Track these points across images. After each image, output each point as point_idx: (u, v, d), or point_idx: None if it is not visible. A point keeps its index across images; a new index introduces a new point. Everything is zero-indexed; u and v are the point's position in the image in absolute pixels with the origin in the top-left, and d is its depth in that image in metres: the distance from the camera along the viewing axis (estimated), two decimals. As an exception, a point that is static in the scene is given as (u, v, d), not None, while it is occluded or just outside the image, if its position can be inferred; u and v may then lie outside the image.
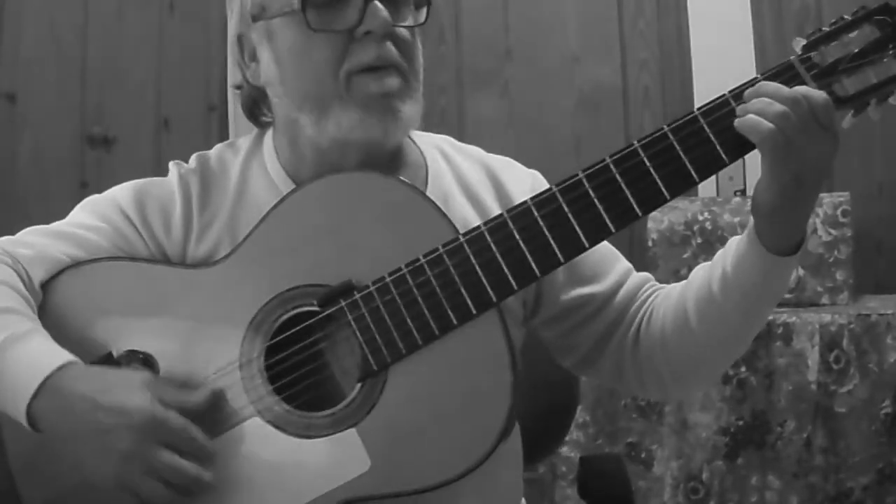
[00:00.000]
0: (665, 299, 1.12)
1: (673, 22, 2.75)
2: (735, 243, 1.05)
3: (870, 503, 2.14)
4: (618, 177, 0.98)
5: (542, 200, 0.99)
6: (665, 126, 0.98)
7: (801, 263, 2.35)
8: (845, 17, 1.00)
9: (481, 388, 0.97)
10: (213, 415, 1.01)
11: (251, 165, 1.14)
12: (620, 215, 0.98)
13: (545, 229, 0.98)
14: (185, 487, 0.96)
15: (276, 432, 1.00)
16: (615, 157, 0.98)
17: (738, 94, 0.98)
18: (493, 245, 0.99)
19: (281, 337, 1.02)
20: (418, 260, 0.99)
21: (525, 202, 0.99)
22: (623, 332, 1.14)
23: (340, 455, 0.98)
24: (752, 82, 0.98)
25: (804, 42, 1.00)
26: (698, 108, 0.98)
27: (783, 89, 0.95)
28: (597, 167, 0.99)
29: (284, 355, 1.02)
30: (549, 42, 2.82)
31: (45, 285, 1.08)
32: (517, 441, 1.21)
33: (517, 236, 0.99)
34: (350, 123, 1.04)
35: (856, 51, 0.98)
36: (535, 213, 0.99)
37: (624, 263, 1.18)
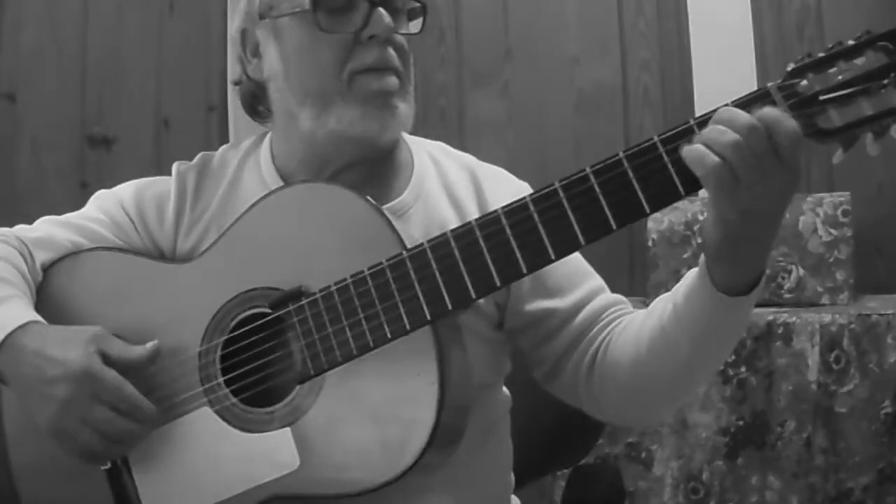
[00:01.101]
0: (627, 326, 1.10)
1: (673, 22, 2.75)
2: (690, 275, 1.01)
3: (870, 503, 2.15)
4: (564, 202, 0.94)
5: (485, 222, 0.97)
6: (621, 152, 0.93)
7: (801, 263, 2.35)
8: (847, 42, 0.89)
9: (406, 404, 0.98)
10: (168, 400, 1.08)
11: (247, 163, 1.21)
12: (562, 241, 0.95)
13: (485, 251, 0.97)
14: (117, 439, 1.04)
15: (221, 423, 1.06)
16: (564, 182, 0.95)
17: (703, 122, 0.90)
18: (433, 262, 0.98)
19: (236, 333, 1.07)
20: (362, 272, 1.00)
21: (469, 222, 0.98)
22: (580, 354, 1.12)
23: (273, 452, 1.03)
24: (723, 106, 0.91)
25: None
26: (659, 135, 0.92)
27: (740, 116, 0.87)
28: (545, 191, 0.96)
29: (236, 349, 1.07)
30: (549, 42, 2.82)
31: (49, 267, 1.18)
32: (503, 440, 1.22)
33: (457, 255, 0.97)
34: (351, 118, 1.10)
35: (840, 78, 0.87)
36: (478, 234, 0.97)
37: (594, 283, 1.15)
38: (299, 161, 1.16)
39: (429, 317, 0.98)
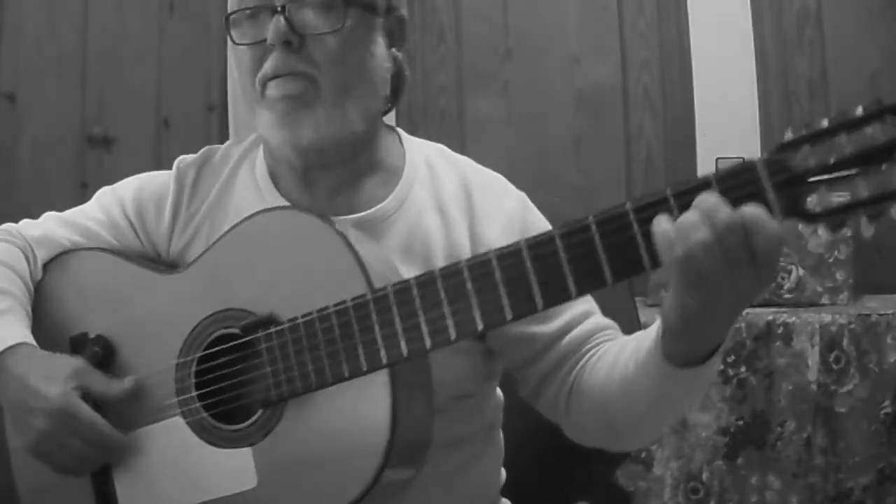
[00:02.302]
0: (601, 360, 1.09)
1: (673, 22, 2.75)
2: (649, 336, 0.99)
3: (869, 503, 2.14)
4: (528, 262, 0.92)
5: (449, 272, 0.97)
6: (591, 216, 0.89)
7: (801, 263, 2.35)
8: (854, 111, 0.81)
9: (356, 444, 1.00)
10: (144, 406, 1.13)
11: (243, 162, 1.24)
12: (519, 304, 0.93)
13: (445, 303, 0.96)
14: (90, 462, 1.11)
15: (190, 434, 1.10)
16: (531, 241, 0.93)
17: (680, 194, 0.85)
18: (394, 307, 0.98)
19: (212, 350, 1.10)
20: (328, 308, 1.02)
21: (433, 271, 0.98)
22: (562, 379, 1.12)
23: (234, 469, 1.06)
24: (703, 182, 0.85)
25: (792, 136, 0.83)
26: (632, 201, 0.88)
27: (719, 213, 0.81)
28: (510, 249, 0.94)
29: (212, 365, 1.10)
30: (550, 42, 2.81)
31: (47, 264, 1.23)
32: (483, 452, 1.21)
33: (417, 304, 0.97)
34: (267, 125, 1.13)
35: (832, 160, 0.79)
36: (439, 284, 0.97)
37: (582, 307, 1.14)
38: (277, 163, 1.20)
39: (385, 361, 0.99)
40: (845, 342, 2.17)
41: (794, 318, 2.20)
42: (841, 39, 2.61)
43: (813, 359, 2.17)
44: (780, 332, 2.18)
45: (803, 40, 2.63)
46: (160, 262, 1.23)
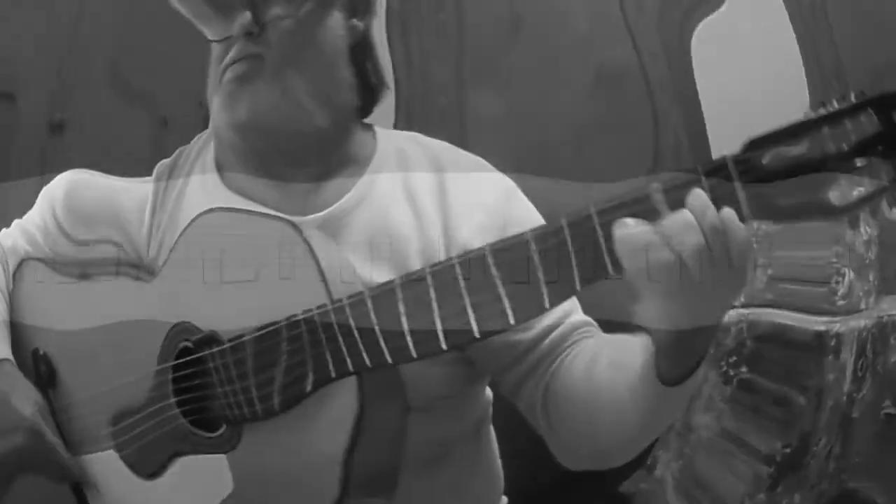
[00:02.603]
0: (578, 358, 1.06)
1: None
2: (637, 350, 0.96)
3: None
4: (493, 270, 0.86)
5: (409, 281, 0.91)
6: (562, 218, 0.85)
7: (851, 265, 2.17)
8: (828, 105, 0.80)
9: (312, 473, 0.95)
10: (80, 436, 1.14)
11: (202, 153, 1.21)
12: (487, 318, 0.88)
13: (403, 316, 0.90)
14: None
15: (124, 468, 1.10)
16: (497, 246, 0.88)
17: (670, 189, 0.83)
18: (350, 319, 0.92)
19: (183, 360, 1.05)
20: (298, 315, 0.95)
21: (392, 280, 0.92)
22: (539, 377, 1.08)
23: (203, 480, 1.02)
24: (690, 178, 0.83)
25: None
26: (595, 205, 0.85)
27: (707, 213, 0.81)
28: (474, 255, 0.88)
29: (183, 375, 1.06)
30: (561, 14, 2.72)
31: (14, 273, 1.23)
32: (470, 458, 1.19)
33: (372, 317, 0.91)
34: (214, 110, 1.13)
35: (794, 154, 0.79)
36: (399, 295, 0.90)
37: (564, 305, 1.08)
38: (224, 153, 1.18)
39: (352, 369, 0.92)
40: (868, 347, 2.06)
41: (843, 328, 2.07)
42: (845, 29, 2.55)
43: (849, 369, 2.05)
44: (832, 344, 2.04)
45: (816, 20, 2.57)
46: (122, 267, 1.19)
